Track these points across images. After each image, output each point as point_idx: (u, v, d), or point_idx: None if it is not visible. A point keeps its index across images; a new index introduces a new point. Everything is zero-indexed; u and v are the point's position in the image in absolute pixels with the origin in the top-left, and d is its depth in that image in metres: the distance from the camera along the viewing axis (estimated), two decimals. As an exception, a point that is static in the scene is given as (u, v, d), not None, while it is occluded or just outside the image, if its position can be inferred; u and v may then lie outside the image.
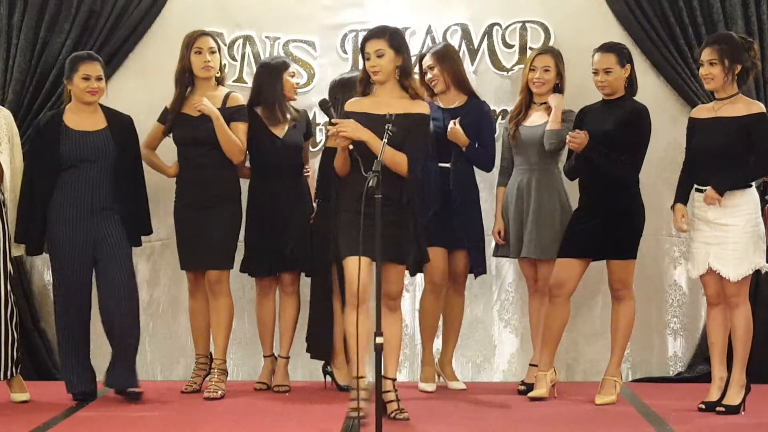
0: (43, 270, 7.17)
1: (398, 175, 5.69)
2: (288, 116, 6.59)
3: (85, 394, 6.33)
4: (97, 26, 7.11)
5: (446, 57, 6.65)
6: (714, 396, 6.08)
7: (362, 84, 5.90)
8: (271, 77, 6.58)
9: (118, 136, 6.36)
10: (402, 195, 5.72)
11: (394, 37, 5.79)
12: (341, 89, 6.47)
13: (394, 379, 5.80)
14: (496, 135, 6.82)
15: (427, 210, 6.54)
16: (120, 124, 6.40)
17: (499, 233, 6.72)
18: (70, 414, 6.06)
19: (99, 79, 6.32)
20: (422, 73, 6.68)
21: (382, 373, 5.47)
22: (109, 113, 6.41)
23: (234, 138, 6.40)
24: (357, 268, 5.55)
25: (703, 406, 6.08)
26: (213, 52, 6.50)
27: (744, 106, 6.03)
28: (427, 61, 6.66)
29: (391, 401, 5.75)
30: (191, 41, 6.48)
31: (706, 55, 6.02)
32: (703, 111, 6.20)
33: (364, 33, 7.06)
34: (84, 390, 6.33)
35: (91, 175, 6.28)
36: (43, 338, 7.08)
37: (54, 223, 6.27)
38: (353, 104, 5.86)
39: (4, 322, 6.24)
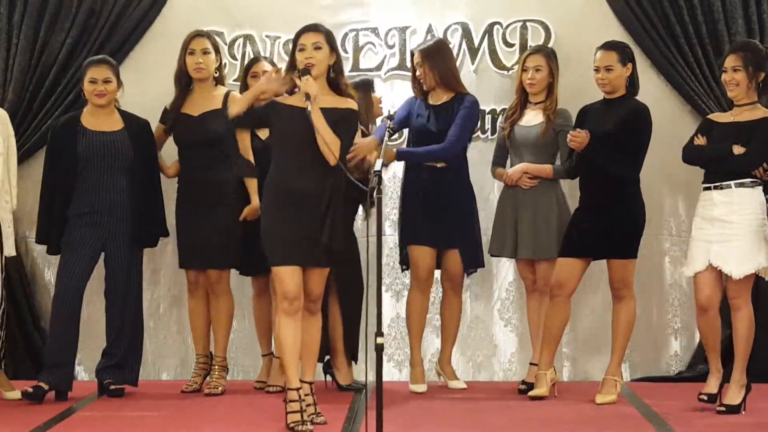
0: (43, 270, 7.18)
1: (323, 171, 5.56)
2: None
3: (57, 393, 6.36)
4: (97, 26, 7.12)
5: (432, 54, 6.60)
6: (713, 388, 6.07)
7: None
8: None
9: (135, 138, 6.43)
10: (324, 193, 5.59)
11: (330, 36, 5.69)
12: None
13: (311, 383, 5.75)
14: (476, 127, 6.81)
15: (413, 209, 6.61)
16: (136, 126, 6.48)
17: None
18: (70, 414, 6.07)
19: (106, 81, 6.37)
20: (413, 70, 6.69)
21: (301, 377, 5.65)
22: (126, 116, 6.49)
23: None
24: (292, 277, 5.56)
25: (705, 397, 6.05)
26: (206, 53, 6.51)
27: (762, 113, 6.03)
28: (416, 58, 6.65)
29: (310, 405, 5.71)
30: (186, 42, 6.52)
31: (731, 61, 6.02)
32: (721, 116, 6.21)
33: (365, 33, 7.17)
34: (58, 388, 6.35)
35: (107, 175, 6.36)
36: (44, 338, 7.07)
37: (71, 222, 6.35)
38: (280, 96, 5.72)
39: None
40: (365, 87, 6.55)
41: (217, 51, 6.61)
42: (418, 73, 6.63)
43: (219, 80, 6.64)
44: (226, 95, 6.55)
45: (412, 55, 6.71)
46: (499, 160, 6.78)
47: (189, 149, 6.57)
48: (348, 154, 5.80)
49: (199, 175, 6.51)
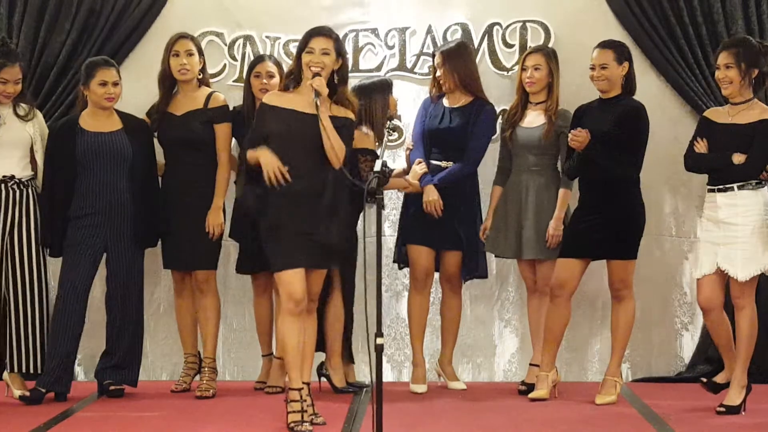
0: (42, 270, 7.17)
1: (325, 173, 5.61)
2: None
3: (56, 394, 6.37)
4: (97, 26, 7.12)
5: (454, 56, 6.61)
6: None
7: (288, 78, 5.76)
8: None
9: (133, 137, 6.44)
10: (328, 192, 5.63)
11: (339, 42, 5.72)
12: (363, 94, 6.45)
13: (308, 384, 5.74)
14: (494, 136, 6.79)
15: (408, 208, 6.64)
16: (134, 126, 6.49)
17: (483, 230, 6.71)
18: (70, 414, 6.07)
19: (115, 84, 6.39)
20: (434, 71, 6.69)
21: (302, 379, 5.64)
22: (124, 116, 6.50)
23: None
24: (298, 278, 5.56)
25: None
26: (190, 55, 6.52)
27: (759, 113, 6.01)
28: (437, 58, 6.66)
29: (309, 405, 5.70)
30: (170, 44, 6.54)
31: (723, 58, 6.01)
32: (718, 115, 6.17)
33: (365, 33, 7.17)
34: (56, 390, 6.36)
35: (107, 175, 6.37)
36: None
37: (72, 223, 6.36)
38: (273, 97, 5.74)
39: (38, 318, 6.41)
40: (384, 88, 6.54)
41: (201, 53, 6.61)
42: (438, 73, 6.63)
43: (202, 81, 6.64)
44: (209, 96, 6.57)
45: (434, 55, 6.71)
46: (505, 163, 6.75)
47: (172, 148, 6.59)
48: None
49: (183, 174, 6.54)
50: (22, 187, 6.38)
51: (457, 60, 6.62)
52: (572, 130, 6.24)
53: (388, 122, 6.40)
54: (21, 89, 6.44)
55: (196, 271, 6.57)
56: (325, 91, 5.59)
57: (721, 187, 6.01)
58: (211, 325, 6.62)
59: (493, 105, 6.72)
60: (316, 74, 5.59)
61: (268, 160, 5.58)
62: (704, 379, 6.11)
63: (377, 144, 6.46)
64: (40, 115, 6.57)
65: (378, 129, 6.47)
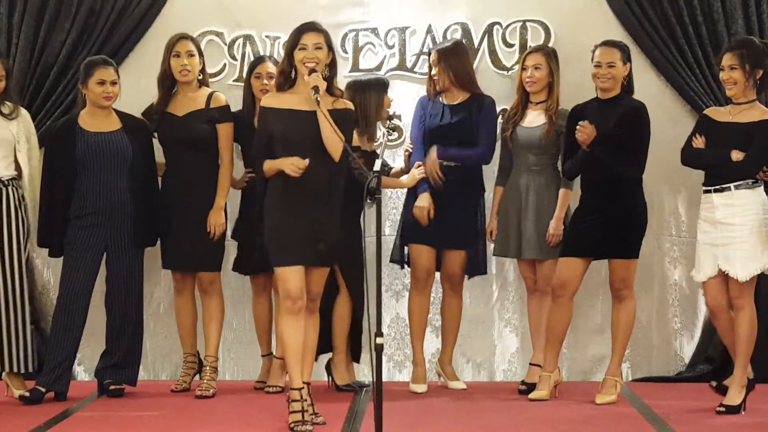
0: (43, 270, 7.17)
1: (328, 171, 5.62)
2: None
3: (56, 394, 6.36)
4: (97, 26, 7.13)
5: (449, 55, 6.62)
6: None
7: (283, 77, 5.73)
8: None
9: (133, 137, 6.44)
10: (327, 190, 5.64)
11: (328, 36, 5.72)
12: (358, 91, 6.46)
13: (309, 384, 5.71)
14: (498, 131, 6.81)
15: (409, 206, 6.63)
16: (134, 126, 6.49)
17: (491, 232, 6.72)
18: (70, 414, 6.07)
19: (113, 83, 6.39)
20: (430, 69, 6.70)
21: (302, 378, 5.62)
22: (123, 116, 6.50)
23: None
24: (296, 276, 5.56)
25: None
26: (191, 56, 6.52)
27: (760, 113, 6.02)
28: (432, 56, 6.66)
29: (309, 405, 5.70)
30: (171, 45, 6.53)
31: (727, 60, 6.01)
32: (719, 113, 6.17)
33: (364, 33, 7.17)
34: (56, 390, 6.35)
35: (107, 175, 6.36)
36: (44, 337, 7.07)
37: (72, 223, 6.35)
38: (271, 99, 5.73)
39: (21, 317, 6.37)
40: (380, 87, 6.55)
41: (201, 54, 6.61)
42: (433, 72, 6.64)
43: (202, 82, 6.65)
44: (210, 96, 6.57)
45: (429, 54, 6.72)
46: (505, 163, 6.76)
47: (173, 148, 6.59)
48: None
49: (183, 174, 6.53)
50: (2, 186, 6.36)
51: (453, 59, 6.62)
52: (580, 122, 6.20)
53: (388, 122, 6.39)
54: (5, 87, 6.42)
55: (201, 273, 6.57)
56: (324, 86, 5.59)
57: (717, 187, 6.01)
58: (215, 325, 6.63)
59: (492, 98, 6.72)
60: (313, 70, 5.60)
61: (283, 163, 5.56)
62: (714, 383, 6.09)
63: (370, 142, 6.47)
64: (26, 114, 6.55)
65: (371, 127, 6.47)
